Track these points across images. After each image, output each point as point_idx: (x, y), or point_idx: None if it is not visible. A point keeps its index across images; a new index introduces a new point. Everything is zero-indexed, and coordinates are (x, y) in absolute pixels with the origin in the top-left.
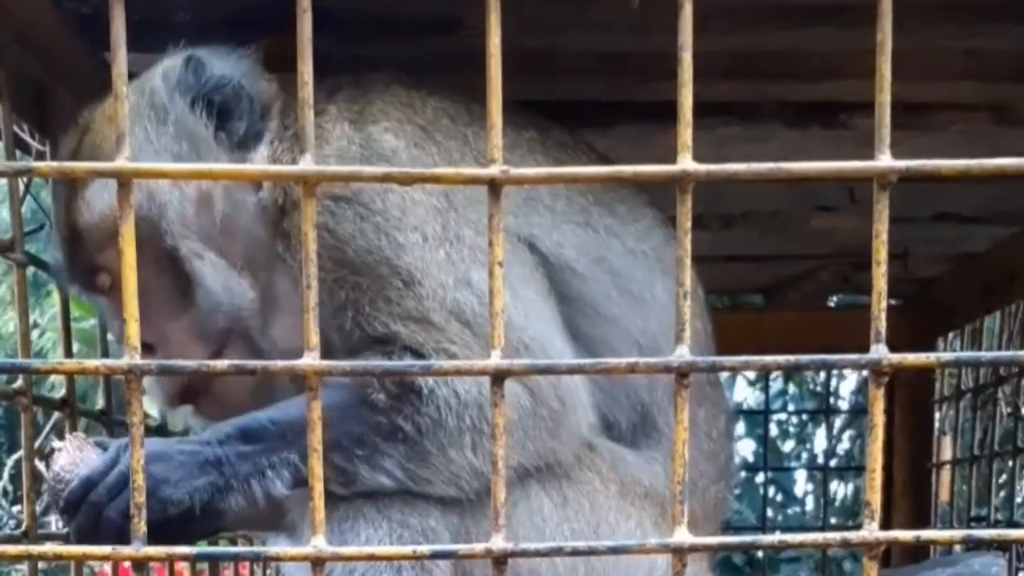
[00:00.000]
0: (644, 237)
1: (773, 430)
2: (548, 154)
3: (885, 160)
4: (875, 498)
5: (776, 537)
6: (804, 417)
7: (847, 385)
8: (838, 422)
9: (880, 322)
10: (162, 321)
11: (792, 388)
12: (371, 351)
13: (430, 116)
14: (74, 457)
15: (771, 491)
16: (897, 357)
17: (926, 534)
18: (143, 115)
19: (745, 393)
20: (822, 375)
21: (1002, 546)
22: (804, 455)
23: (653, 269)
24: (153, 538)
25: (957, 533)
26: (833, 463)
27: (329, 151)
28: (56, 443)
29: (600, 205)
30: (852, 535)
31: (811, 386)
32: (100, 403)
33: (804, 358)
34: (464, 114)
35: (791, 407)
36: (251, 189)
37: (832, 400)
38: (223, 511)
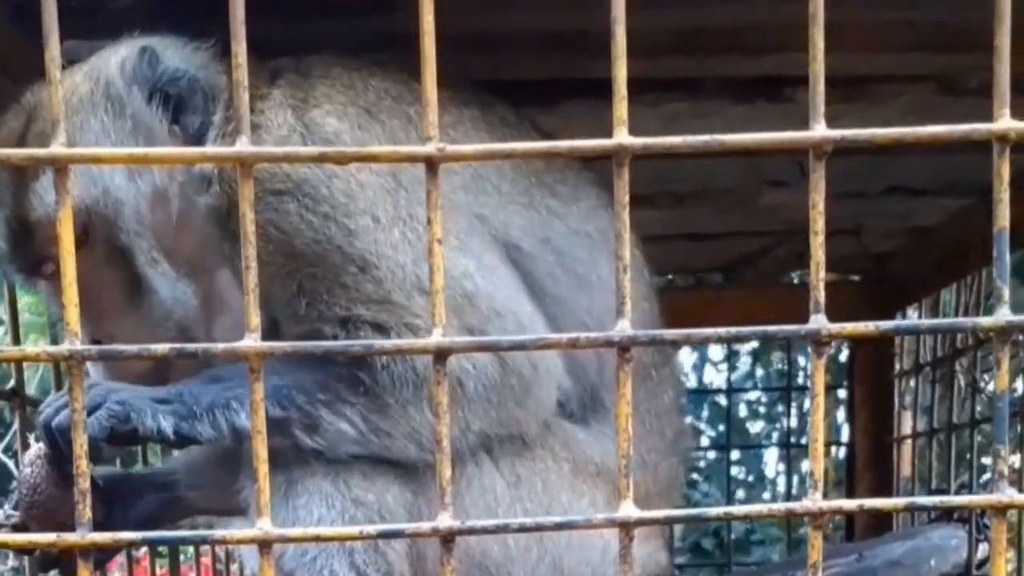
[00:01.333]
0: (587, 218)
1: (743, 411)
2: (492, 132)
3: (820, 130)
4: (818, 468)
5: (722, 509)
6: (774, 398)
7: None
8: (806, 403)
9: (819, 292)
10: (111, 319)
11: (760, 371)
12: (334, 330)
13: (372, 97)
14: (39, 474)
15: (742, 473)
16: (836, 327)
17: (870, 502)
18: (99, 106)
19: (712, 376)
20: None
21: (962, 519)
22: (774, 435)
23: (598, 250)
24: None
25: (900, 501)
26: (803, 442)
27: (269, 140)
28: (33, 447)
29: (542, 186)
30: (796, 505)
31: (778, 367)
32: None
33: (745, 330)
34: (406, 93)
35: (756, 390)
36: (203, 189)
37: (800, 379)
38: (193, 437)
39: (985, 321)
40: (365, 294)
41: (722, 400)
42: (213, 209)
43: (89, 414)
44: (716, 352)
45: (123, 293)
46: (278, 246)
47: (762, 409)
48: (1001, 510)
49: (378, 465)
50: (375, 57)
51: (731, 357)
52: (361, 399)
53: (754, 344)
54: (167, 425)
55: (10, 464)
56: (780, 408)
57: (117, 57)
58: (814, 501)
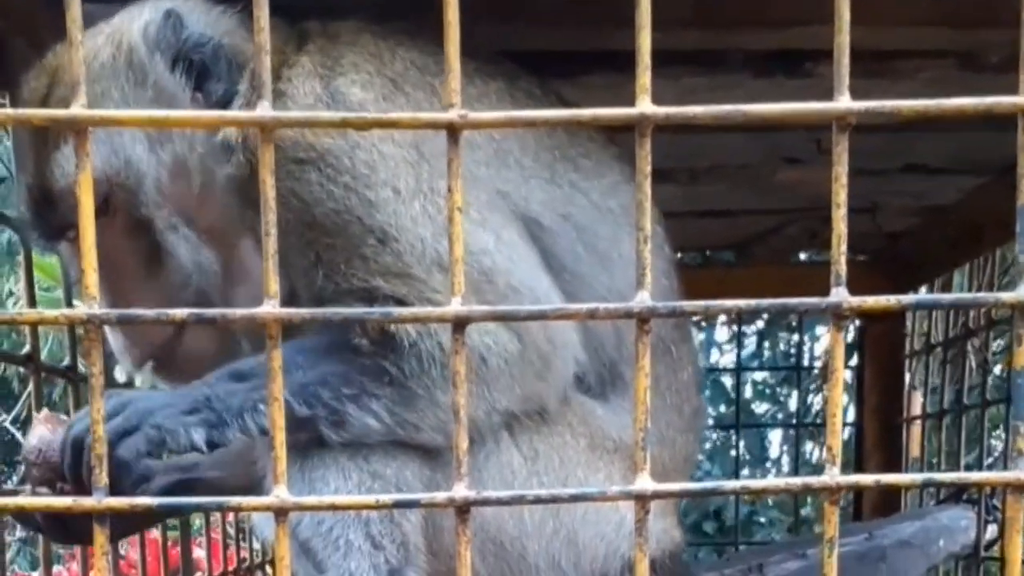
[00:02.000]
0: (610, 193)
1: (748, 392)
2: (516, 104)
3: (844, 101)
4: (835, 443)
5: (739, 483)
6: (779, 379)
7: (820, 347)
8: (813, 385)
9: (840, 265)
10: (132, 288)
11: (767, 352)
12: (351, 303)
13: (399, 68)
14: (44, 434)
15: (746, 455)
16: (857, 300)
17: (886, 478)
18: (120, 73)
19: (717, 357)
20: (795, 337)
21: (971, 499)
22: (780, 416)
23: (620, 225)
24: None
25: (918, 477)
26: (808, 422)
27: (295, 109)
28: (37, 417)
29: (565, 160)
30: (813, 480)
31: (784, 348)
32: (67, 360)
33: (765, 302)
34: (432, 65)
35: (764, 370)
36: (224, 161)
37: (806, 360)
38: (224, 444)
39: (1007, 296)
40: (384, 266)
41: (728, 382)
42: (235, 178)
43: (123, 436)
44: (722, 334)
45: (143, 264)
46: (298, 215)
47: (768, 391)
48: (1019, 488)
49: (397, 442)
50: (402, 25)
51: (738, 338)
52: (387, 390)
53: (759, 326)
54: (199, 439)
55: (19, 436)
56: (786, 390)
57: (140, 21)
58: (831, 476)
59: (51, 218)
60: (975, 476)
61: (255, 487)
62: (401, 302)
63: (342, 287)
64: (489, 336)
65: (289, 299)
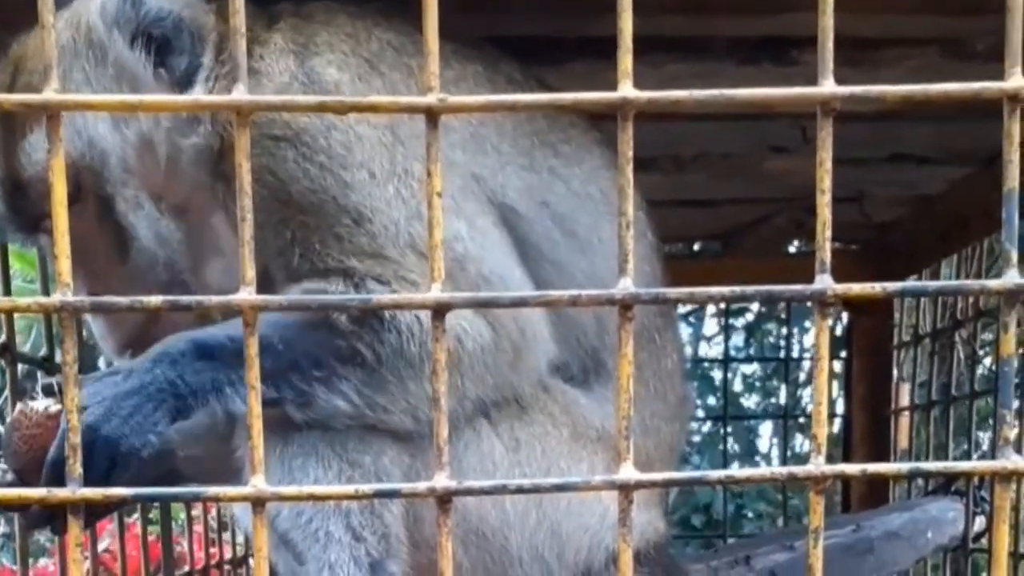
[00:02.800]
0: (590, 179)
1: (738, 386)
2: (496, 89)
3: (828, 86)
4: (821, 431)
5: (723, 472)
6: (768, 372)
7: (809, 339)
8: (801, 377)
9: (825, 252)
10: (106, 271)
11: (755, 345)
12: (328, 280)
13: (375, 48)
14: (33, 429)
15: (736, 448)
16: (842, 287)
17: (873, 467)
18: (81, 55)
19: (705, 350)
20: (783, 330)
21: (959, 491)
22: (769, 410)
23: (600, 212)
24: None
25: (904, 466)
26: (797, 413)
27: (270, 87)
28: (29, 400)
29: (545, 146)
30: (798, 469)
31: (773, 341)
32: (44, 350)
33: (750, 289)
34: (409, 45)
35: (752, 362)
36: (191, 133)
37: (795, 353)
38: (189, 423)
39: (993, 283)
40: (359, 247)
41: (717, 375)
42: (204, 150)
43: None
44: (711, 327)
45: (116, 247)
46: (273, 192)
47: (757, 383)
48: (1006, 477)
49: (375, 428)
50: (378, 6)
51: (727, 330)
52: (358, 372)
53: (749, 319)
54: (164, 427)
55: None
56: (775, 383)
57: (98, 0)
58: (816, 465)
59: (25, 207)
60: (962, 465)
61: (235, 477)
62: (378, 281)
63: (318, 267)
64: (463, 323)
65: (261, 278)
